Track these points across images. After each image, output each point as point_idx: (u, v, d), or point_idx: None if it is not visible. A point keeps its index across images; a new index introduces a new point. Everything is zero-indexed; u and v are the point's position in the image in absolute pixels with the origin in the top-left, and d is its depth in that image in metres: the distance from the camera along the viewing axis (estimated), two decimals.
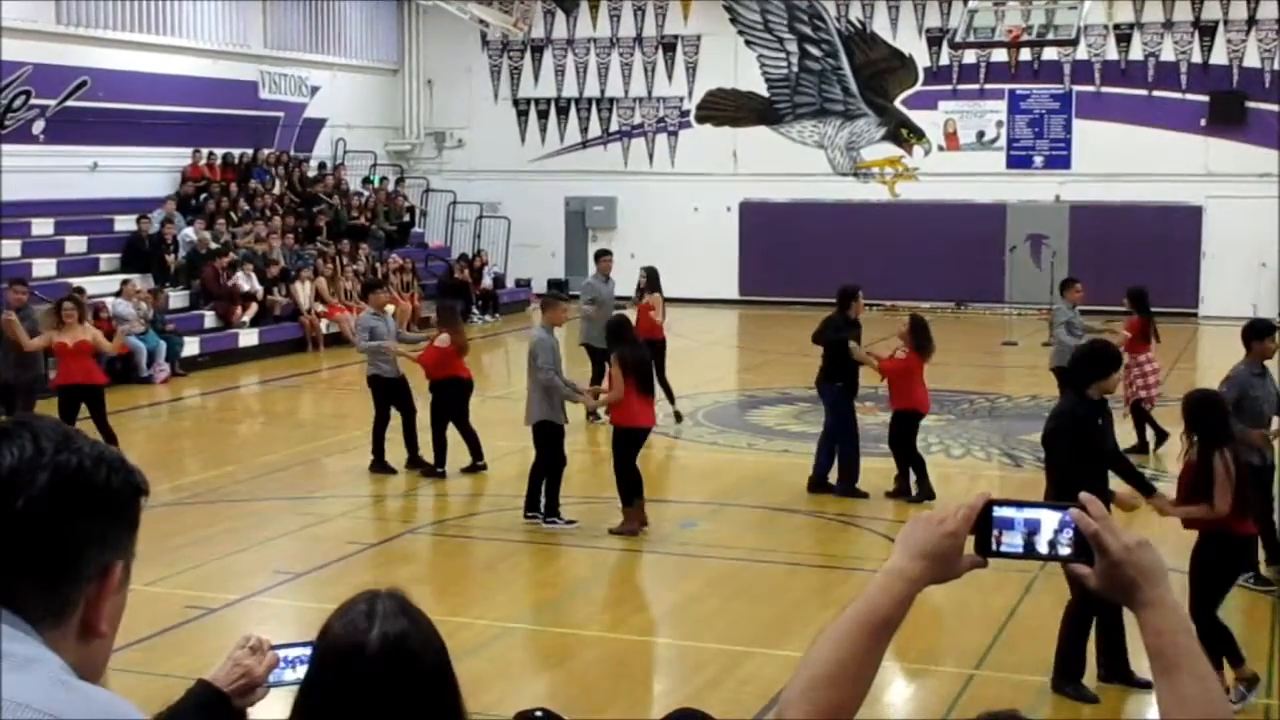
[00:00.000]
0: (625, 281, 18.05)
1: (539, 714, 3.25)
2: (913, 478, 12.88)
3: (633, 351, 11.93)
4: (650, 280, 17.10)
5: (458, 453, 13.99)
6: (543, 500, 12.06)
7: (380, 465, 14.06)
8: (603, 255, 17.80)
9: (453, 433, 14.05)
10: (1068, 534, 1.95)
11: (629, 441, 11.84)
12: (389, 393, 14.11)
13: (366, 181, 29.70)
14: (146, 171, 24.54)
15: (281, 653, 2.75)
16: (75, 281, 19.58)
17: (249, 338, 22.55)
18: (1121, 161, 27.43)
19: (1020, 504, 1.99)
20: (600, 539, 11.76)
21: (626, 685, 8.73)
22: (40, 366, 14.34)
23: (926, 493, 12.68)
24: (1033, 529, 1.96)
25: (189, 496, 13.15)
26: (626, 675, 8.91)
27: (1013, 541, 1.97)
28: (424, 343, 14.66)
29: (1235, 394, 9.73)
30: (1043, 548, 1.97)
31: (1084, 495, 1.97)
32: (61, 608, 1.67)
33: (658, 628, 10.03)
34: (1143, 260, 25.29)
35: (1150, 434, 14.60)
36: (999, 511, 1.97)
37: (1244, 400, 9.83)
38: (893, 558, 2.01)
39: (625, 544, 11.67)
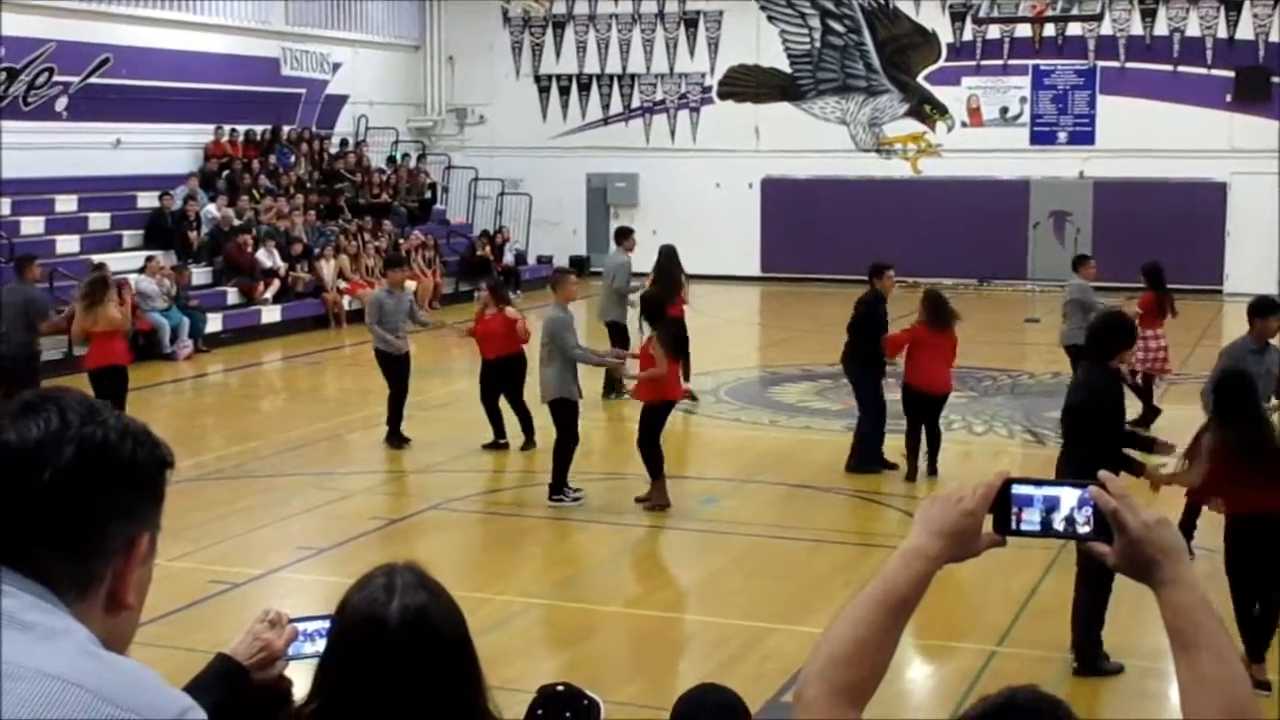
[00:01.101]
0: (644, 260, 17.86)
1: (561, 688, 3.26)
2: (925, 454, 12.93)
3: (667, 325, 12.00)
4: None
5: (482, 430, 14.03)
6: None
7: (396, 438, 14.14)
8: (626, 233, 17.69)
9: (475, 410, 14.12)
10: (1086, 512, 1.95)
11: (656, 416, 11.82)
12: (389, 366, 14.19)
13: (391, 160, 29.72)
14: (169, 148, 24.57)
15: (300, 626, 2.77)
16: (98, 258, 19.62)
17: (271, 314, 22.61)
18: (1146, 137, 27.22)
19: (1039, 482, 1.99)
20: (622, 515, 11.78)
21: (648, 661, 8.76)
22: (37, 345, 13.98)
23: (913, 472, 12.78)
24: (1051, 507, 1.96)
25: (212, 472, 13.22)
26: (648, 651, 8.94)
27: (1031, 520, 1.97)
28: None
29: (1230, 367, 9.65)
30: (1061, 526, 1.96)
31: (1103, 473, 1.97)
32: (88, 580, 1.68)
33: (679, 604, 10.07)
34: (1167, 237, 25.05)
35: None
36: (1018, 490, 1.97)
37: None
38: (911, 536, 2.02)
39: (647, 520, 11.69)
